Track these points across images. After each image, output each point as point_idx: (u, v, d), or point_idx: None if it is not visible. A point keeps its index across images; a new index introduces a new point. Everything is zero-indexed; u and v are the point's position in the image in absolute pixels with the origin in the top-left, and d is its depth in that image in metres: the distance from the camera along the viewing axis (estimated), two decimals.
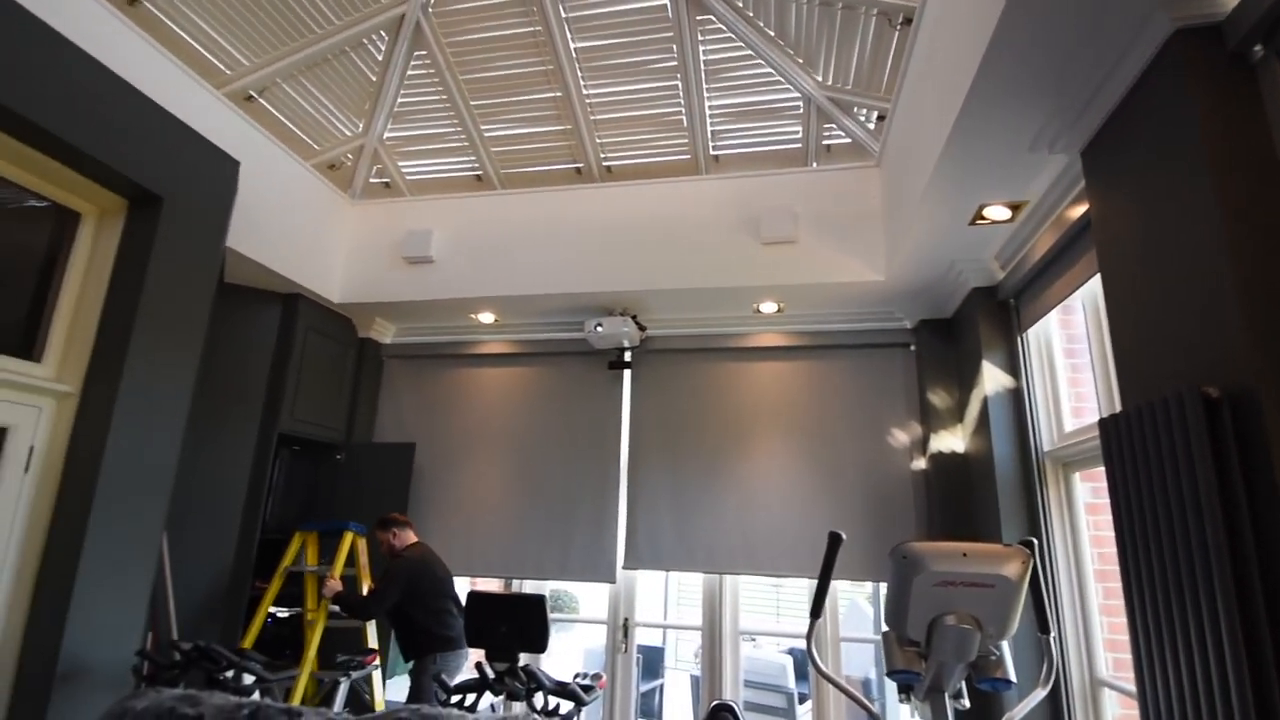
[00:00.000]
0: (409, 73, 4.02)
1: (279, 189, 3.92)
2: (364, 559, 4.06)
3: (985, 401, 3.31)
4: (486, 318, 4.60)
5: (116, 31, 2.96)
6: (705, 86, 3.89)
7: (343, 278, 4.44)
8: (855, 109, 3.79)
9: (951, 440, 3.78)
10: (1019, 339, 3.26)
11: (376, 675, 3.77)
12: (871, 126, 3.81)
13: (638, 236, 4.09)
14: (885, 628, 1.93)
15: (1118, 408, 2.23)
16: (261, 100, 3.80)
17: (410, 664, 3.44)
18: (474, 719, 1.52)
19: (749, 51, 3.70)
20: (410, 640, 3.44)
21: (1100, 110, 2.07)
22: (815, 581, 2.18)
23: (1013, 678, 1.78)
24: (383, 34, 3.81)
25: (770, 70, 3.76)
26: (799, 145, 4.07)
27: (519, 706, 2.56)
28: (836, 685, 2.14)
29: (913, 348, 4.14)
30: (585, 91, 4.00)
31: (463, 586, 4.63)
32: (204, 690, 1.82)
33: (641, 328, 4.38)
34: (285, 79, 3.77)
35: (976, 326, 3.42)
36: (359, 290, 4.41)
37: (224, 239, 3.27)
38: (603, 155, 4.30)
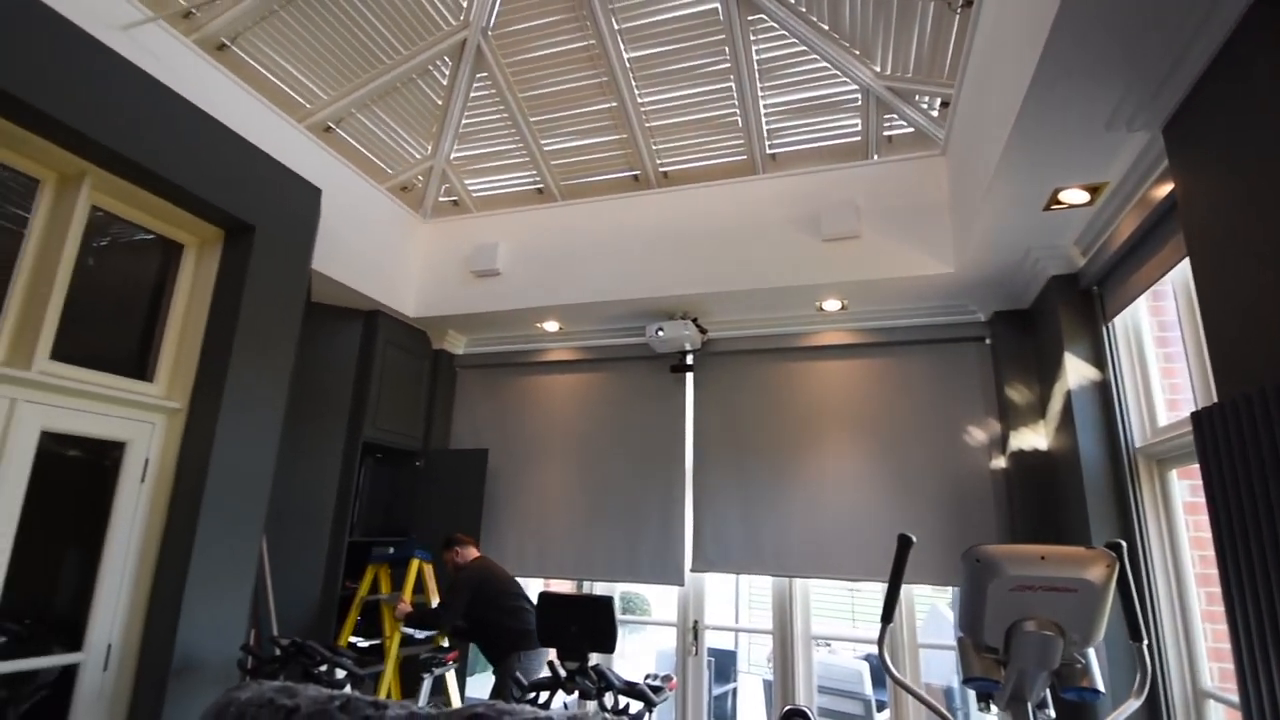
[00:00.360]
0: (472, 94, 4.19)
1: (357, 212, 4.16)
2: (431, 582, 4.22)
3: (1069, 396, 3.14)
4: (551, 326, 4.73)
5: (209, 76, 3.23)
6: (759, 86, 3.87)
7: (417, 293, 4.66)
8: (917, 97, 3.68)
9: (1033, 437, 3.60)
10: (1104, 328, 3.08)
11: (450, 677, 3.91)
12: (935, 114, 3.69)
13: (696, 240, 4.10)
14: (960, 634, 1.87)
15: (1214, 399, 2.07)
16: (339, 130, 4.05)
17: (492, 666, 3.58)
18: (546, 715, 1.57)
19: (803, 47, 3.66)
20: (491, 642, 3.59)
21: (1181, 84, 1.94)
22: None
23: (1100, 687, 1.69)
24: (446, 59, 3.99)
25: (825, 64, 3.70)
26: (858, 138, 3.99)
27: (590, 705, 2.62)
28: (912, 693, 2.08)
29: (988, 341, 3.97)
30: (640, 100, 4.06)
31: (535, 587, 4.77)
32: (301, 683, 1.97)
33: (703, 330, 4.39)
34: (359, 109, 4.01)
35: (1057, 316, 3.25)
36: (432, 304, 4.62)
37: (309, 261, 3.51)
38: (659, 161, 4.34)
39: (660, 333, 4.24)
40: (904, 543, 2.12)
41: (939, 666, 4.49)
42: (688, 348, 4.42)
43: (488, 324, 4.79)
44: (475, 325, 4.84)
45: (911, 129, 3.82)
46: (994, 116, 2.60)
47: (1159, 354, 2.90)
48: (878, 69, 3.65)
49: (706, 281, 4.02)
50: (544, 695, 2.79)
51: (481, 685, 5.19)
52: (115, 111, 2.61)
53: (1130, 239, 2.64)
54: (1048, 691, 1.81)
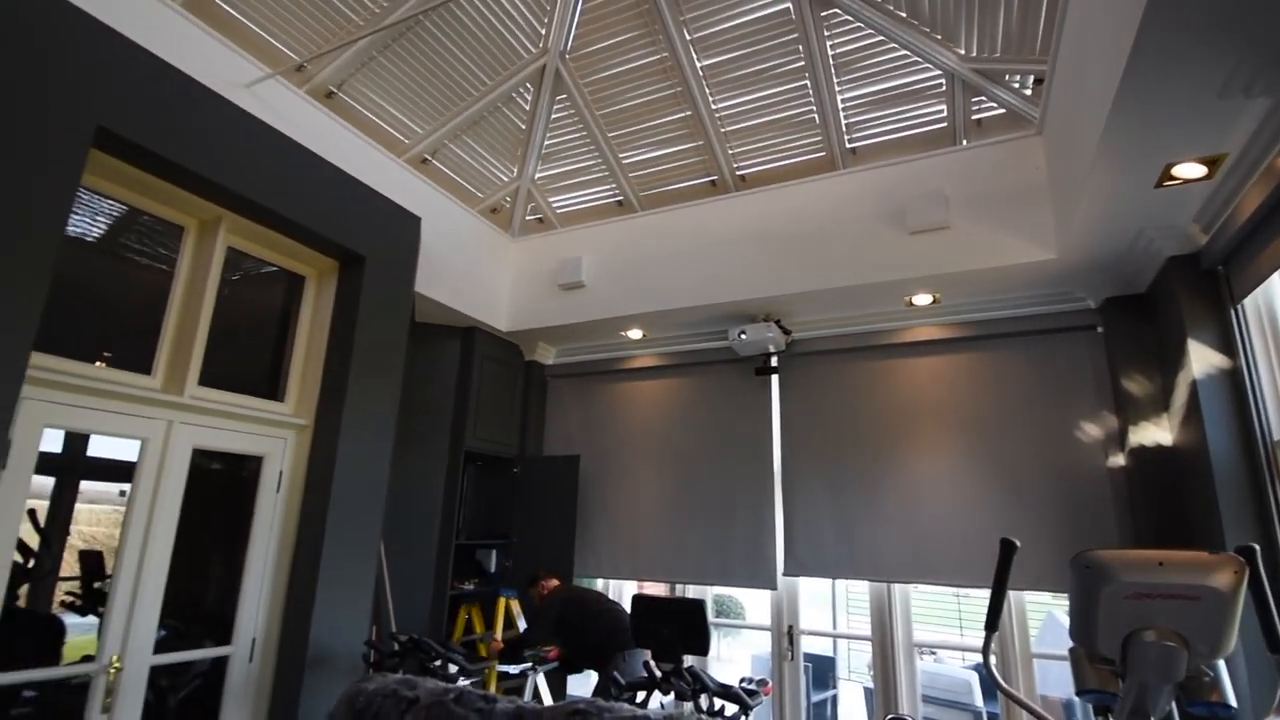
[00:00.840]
0: (552, 116, 4.36)
1: (452, 236, 4.43)
2: (519, 620, 4.33)
3: (1194, 385, 2.89)
4: (635, 334, 4.83)
5: (320, 122, 3.55)
6: (836, 80, 3.81)
7: (508, 308, 4.90)
8: (1007, 76, 3.51)
9: (1155, 432, 3.33)
10: (1233, 311, 2.81)
11: (541, 680, 3.98)
12: (1028, 92, 3.50)
13: (776, 241, 4.08)
14: (1073, 644, 1.78)
15: None
16: (434, 161, 4.34)
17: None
18: (643, 714, 1.64)
19: (880, 38, 3.57)
20: (588, 652, 3.72)
21: None
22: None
23: (1232, 702, 1.57)
24: (528, 85, 4.18)
25: (905, 52, 3.60)
26: (944, 125, 3.84)
27: (686, 706, 2.67)
28: (1022, 704, 2.00)
29: (1099, 329, 3.70)
30: (714, 106, 4.09)
31: (629, 589, 4.87)
32: (418, 676, 2.13)
33: (786, 331, 4.35)
34: (451, 139, 4.28)
35: (1177, 300, 3.00)
36: (523, 318, 4.84)
37: (413, 285, 3.78)
38: (735, 165, 4.35)
39: (743, 336, 4.24)
40: (1007, 548, 2.04)
41: (1057, 678, 4.21)
42: (771, 350, 4.40)
43: (575, 334, 4.96)
44: (563, 336, 5.03)
45: (1002, 110, 3.64)
46: (1094, 90, 2.45)
47: None
48: (962, 51, 3.51)
49: (788, 282, 3.99)
50: (640, 695, 2.87)
51: (581, 684, 5.35)
52: (244, 161, 2.93)
53: (1258, 212, 2.41)
54: (1173, 706, 1.70)
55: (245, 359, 3.32)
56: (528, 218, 5.01)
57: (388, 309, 3.57)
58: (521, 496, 4.93)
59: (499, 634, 4.12)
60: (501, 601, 4.27)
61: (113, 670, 2.55)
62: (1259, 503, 2.61)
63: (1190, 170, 2.50)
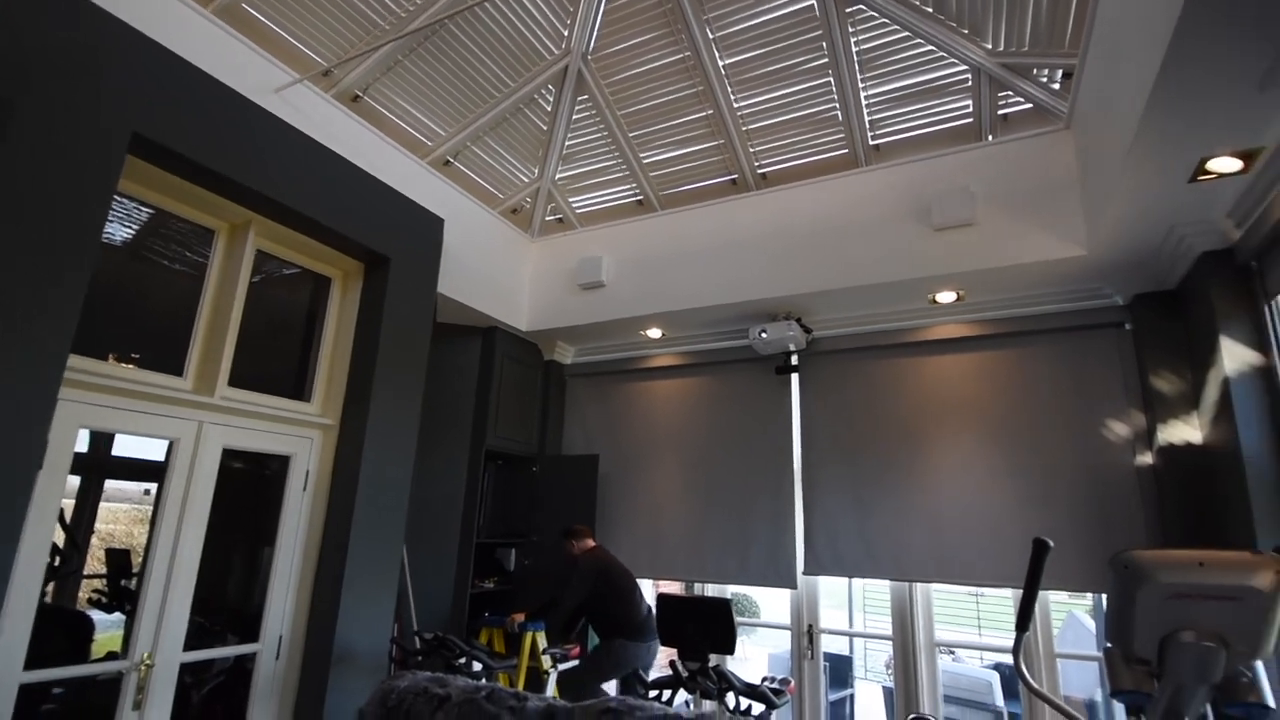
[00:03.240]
0: (574, 117, 4.38)
1: (474, 237, 4.46)
2: (544, 658, 4.09)
3: (1226, 383, 2.84)
4: (655, 333, 4.83)
5: (346, 125, 3.59)
6: (860, 77, 3.79)
7: (528, 308, 4.92)
8: (1035, 71, 3.47)
9: (1185, 430, 3.28)
10: (1266, 307, 2.77)
11: (553, 677, 4.00)
12: (1056, 87, 3.46)
13: (797, 239, 4.06)
14: (1108, 644, 1.77)
15: None
16: (456, 163, 4.37)
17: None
18: (674, 713, 1.65)
19: (905, 33, 3.55)
20: (603, 623, 3.91)
21: None
22: (1019, 591, 2.04)
23: (1271, 703, 1.54)
24: (550, 87, 4.20)
25: (931, 47, 3.57)
26: (970, 120, 3.80)
27: (710, 705, 2.67)
28: (1053, 704, 1.98)
29: (1128, 326, 3.66)
30: (736, 104, 4.08)
31: (647, 588, 4.88)
32: (444, 673, 2.15)
33: (807, 330, 4.33)
34: (474, 141, 4.30)
35: (1209, 297, 2.96)
36: (542, 318, 4.86)
37: (436, 285, 3.81)
38: (757, 163, 4.34)
39: (763, 335, 4.23)
40: (1040, 548, 2.02)
41: (1079, 678, 4.17)
42: (792, 348, 4.38)
43: (594, 334, 4.97)
44: (582, 336, 5.04)
45: (1030, 105, 3.60)
46: (1128, 83, 2.42)
47: None
48: (989, 46, 3.47)
49: (809, 281, 3.97)
50: (666, 693, 2.87)
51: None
52: (274, 165, 2.97)
53: None
54: (1208, 707, 1.68)
55: (273, 360, 3.36)
56: (548, 218, 5.02)
57: (412, 310, 3.60)
58: (541, 496, 4.95)
59: (519, 617, 4.11)
60: (528, 637, 4.13)
61: (144, 667, 2.59)
62: None
63: (1226, 165, 2.46)
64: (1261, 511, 2.63)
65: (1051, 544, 1.96)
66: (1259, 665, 1.60)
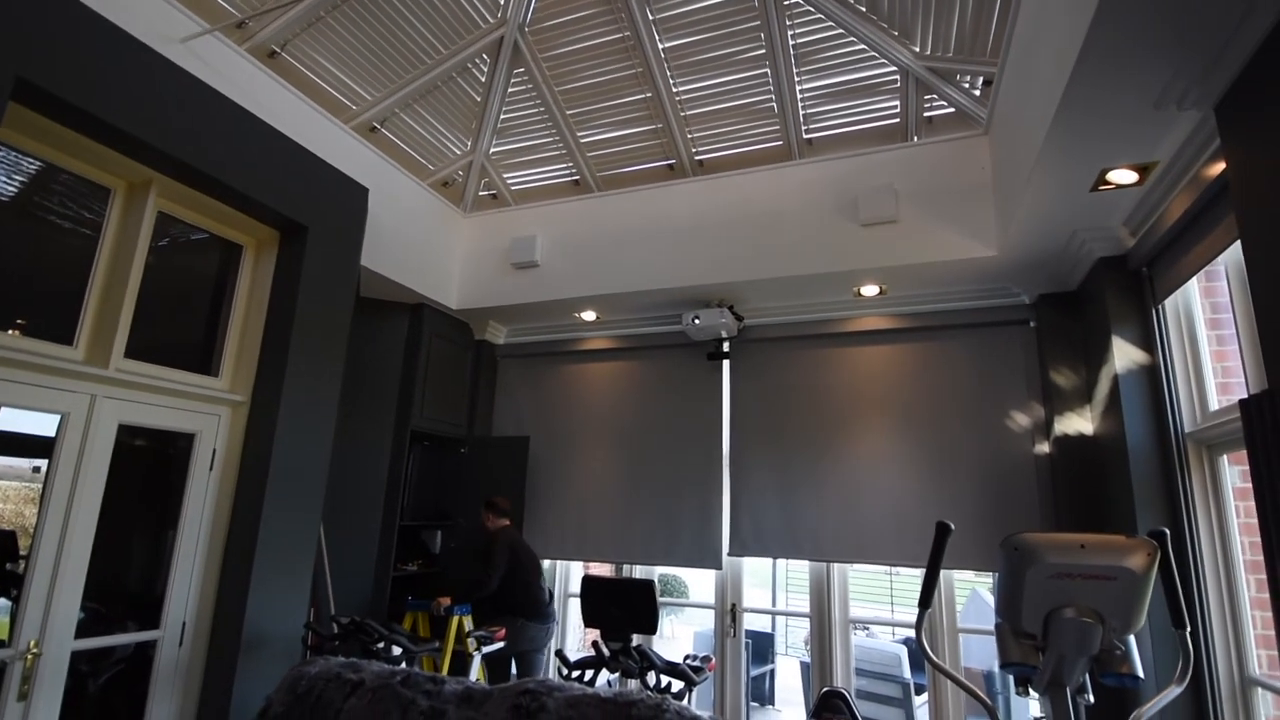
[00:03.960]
0: (509, 90, 4.26)
1: (401, 209, 4.29)
2: (469, 640, 3.98)
3: (1116, 379, 3.08)
4: (589, 315, 4.80)
5: (261, 83, 3.37)
6: (796, 71, 3.85)
7: (459, 285, 4.79)
8: (958, 76, 3.61)
9: (1078, 422, 3.54)
10: (1154, 310, 3.00)
11: (477, 660, 3.94)
12: (977, 93, 3.62)
13: (732, 228, 4.11)
14: (998, 620, 1.89)
15: (1266, 385, 2.03)
16: (383, 130, 4.18)
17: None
18: (593, 691, 1.66)
19: (840, 30, 3.62)
20: (506, 602, 3.99)
21: (1234, 61, 1.88)
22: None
23: (1140, 673, 1.70)
24: (485, 57, 4.06)
25: (863, 46, 3.66)
26: (897, 120, 3.93)
27: (633, 683, 2.72)
28: (950, 676, 2.12)
29: (1032, 324, 3.90)
30: (675, 89, 4.07)
31: (575, 570, 4.90)
32: (362, 659, 2.09)
33: (739, 318, 4.41)
34: (402, 108, 4.12)
35: (1104, 299, 3.18)
36: (473, 296, 4.74)
37: (359, 258, 3.65)
38: (694, 149, 4.36)
39: (696, 321, 4.28)
40: (943, 530, 2.15)
41: (979, 651, 4.48)
42: (724, 335, 4.45)
43: (527, 314, 4.90)
44: (515, 316, 4.96)
45: (952, 109, 3.75)
46: (1039, 95, 2.55)
47: (1211, 336, 2.82)
48: (917, 49, 3.59)
49: (743, 269, 4.03)
50: (589, 673, 2.90)
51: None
52: (178, 121, 2.75)
53: (1181, 219, 2.57)
54: (1087, 677, 1.83)
55: (177, 331, 3.15)
56: (481, 193, 4.89)
57: (332, 283, 3.44)
58: (469, 477, 4.87)
59: (444, 601, 4.04)
60: (454, 620, 4.06)
61: (30, 656, 2.41)
62: (1169, 490, 2.82)
63: (1123, 176, 2.64)
64: (1142, 498, 2.87)
65: (953, 526, 2.08)
66: (1131, 639, 1.75)
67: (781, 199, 4.04)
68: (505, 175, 4.79)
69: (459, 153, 4.58)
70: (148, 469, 3.08)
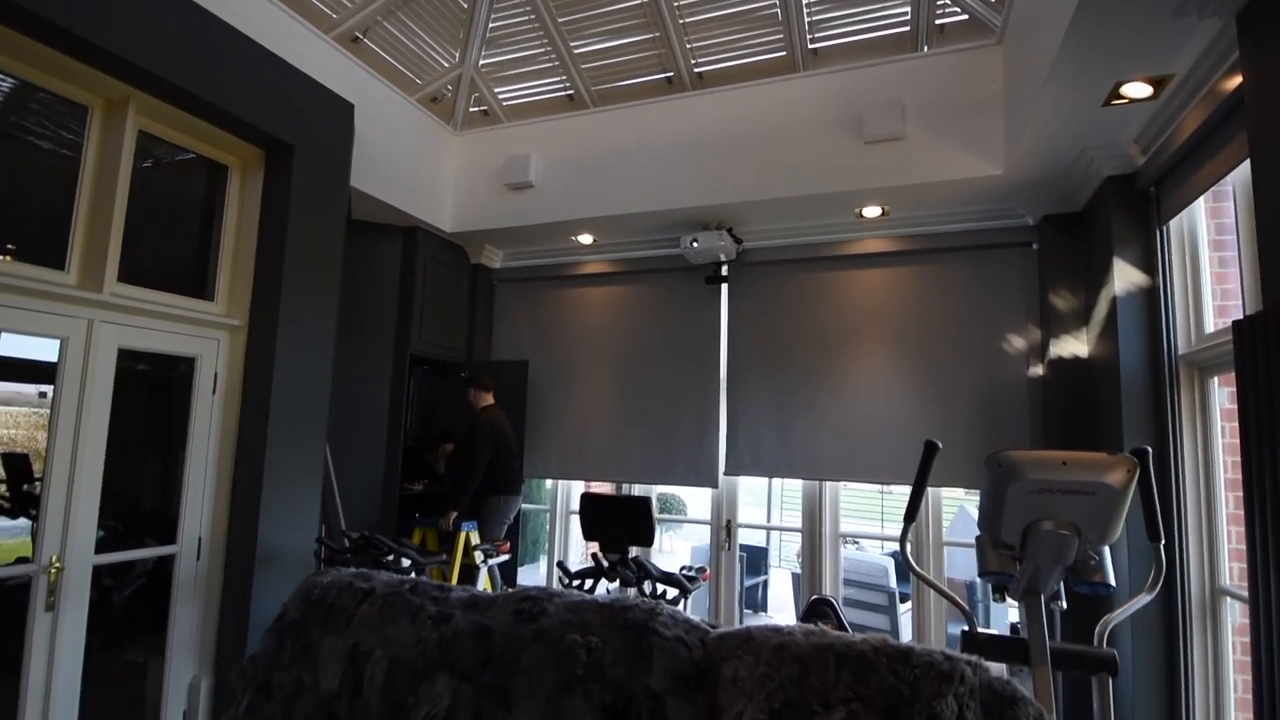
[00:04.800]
0: None
1: (389, 127, 4.14)
2: (477, 552, 4.19)
3: (1114, 302, 3.07)
4: (586, 239, 4.74)
5: None
6: None
7: (453, 208, 4.70)
8: None
9: (1074, 345, 3.56)
10: (1158, 232, 2.96)
11: (483, 572, 4.15)
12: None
13: (731, 146, 3.99)
14: (979, 532, 1.97)
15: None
16: (366, 40, 3.98)
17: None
18: (591, 598, 1.75)
19: None
20: (484, 480, 4.23)
21: None
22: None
23: (1111, 582, 1.79)
24: None
25: None
26: (907, 29, 3.74)
27: (631, 591, 2.86)
28: (928, 582, 2.23)
29: (1035, 246, 3.85)
30: None
31: (577, 489, 5.05)
32: (372, 571, 2.19)
33: (738, 240, 4.35)
34: (385, 16, 3.91)
35: (1109, 219, 3.13)
36: (467, 219, 4.66)
37: (348, 178, 3.56)
38: (693, 61, 4.16)
39: (695, 244, 4.22)
40: (930, 449, 2.20)
41: (964, 563, 4.69)
42: (722, 259, 4.40)
43: (523, 238, 4.83)
44: (511, 239, 4.89)
45: (966, 16, 3.56)
46: (1054, 2, 2.42)
47: (1213, 258, 2.79)
48: None
49: (741, 190, 3.94)
50: (589, 583, 3.05)
51: (530, 574, 5.63)
52: (151, 34, 2.62)
53: (1193, 136, 2.49)
54: (1061, 585, 1.93)
55: (169, 255, 3.11)
56: (471, 109, 4.71)
57: (321, 204, 3.37)
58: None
59: (456, 563, 4.19)
60: (462, 535, 4.21)
61: (53, 570, 2.52)
62: (1158, 411, 2.86)
63: (1138, 90, 2.54)
64: (1130, 418, 2.93)
65: (940, 445, 2.13)
66: (1105, 550, 1.83)
67: (784, 115, 3.90)
68: (496, 90, 4.60)
69: (447, 65, 4.38)
70: (153, 393, 3.12)
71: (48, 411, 2.61)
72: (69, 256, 2.65)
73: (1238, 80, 2.13)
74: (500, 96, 4.64)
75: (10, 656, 2.47)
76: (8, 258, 2.50)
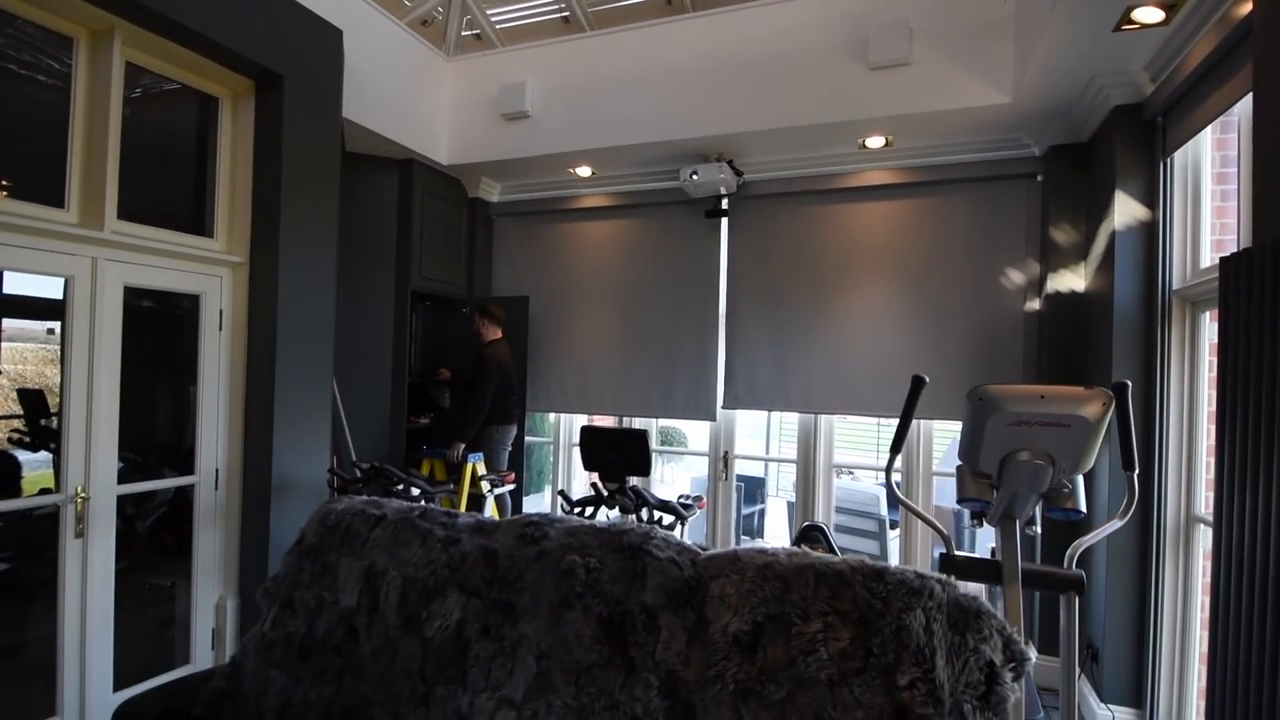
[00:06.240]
0: None
1: (379, 53, 4.02)
2: (484, 483, 4.37)
3: (1113, 236, 3.06)
4: (584, 171, 4.67)
5: None
6: None
7: (448, 139, 4.61)
8: None
9: (1071, 279, 3.57)
10: (1162, 164, 2.92)
11: (490, 501, 4.36)
12: None
13: (732, 73, 3.87)
14: (960, 461, 2.06)
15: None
16: None
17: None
18: (591, 523, 1.85)
19: None
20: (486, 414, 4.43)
21: None
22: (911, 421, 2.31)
23: (1082, 508, 1.88)
24: None
25: None
26: None
27: (629, 518, 3.00)
28: (910, 509, 2.34)
29: (1040, 178, 3.79)
30: None
31: (578, 422, 5.18)
32: (383, 498, 2.30)
33: (738, 173, 4.29)
34: None
35: (1114, 150, 3.08)
36: (463, 151, 4.58)
37: (340, 109, 3.49)
38: None
39: (694, 176, 4.17)
40: (917, 383, 2.28)
41: (952, 492, 4.87)
42: (723, 191, 4.35)
43: (521, 170, 4.76)
44: (508, 172, 4.82)
45: None
46: None
47: (1215, 191, 2.77)
48: None
49: (741, 120, 3.86)
50: (589, 510, 3.19)
51: (535, 502, 5.85)
52: None
53: (1203, 64, 2.43)
54: (1037, 511, 2.03)
55: (166, 191, 3.11)
56: (464, 33, 4.55)
57: (314, 135, 3.32)
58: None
59: (464, 491, 4.34)
60: (469, 466, 4.34)
61: (80, 500, 2.65)
62: (1147, 344, 2.91)
63: (1149, 14, 2.46)
64: (1120, 352, 2.98)
65: (927, 380, 2.20)
66: (1078, 479, 1.92)
67: (787, 38, 3.77)
68: (488, 10, 4.43)
69: None
70: (163, 330, 3.19)
71: (56, 348, 2.68)
72: (68, 194, 2.65)
73: (1249, 7, 2.06)
74: (493, 18, 4.47)
75: (45, 580, 2.63)
76: (3, 194, 2.51)
